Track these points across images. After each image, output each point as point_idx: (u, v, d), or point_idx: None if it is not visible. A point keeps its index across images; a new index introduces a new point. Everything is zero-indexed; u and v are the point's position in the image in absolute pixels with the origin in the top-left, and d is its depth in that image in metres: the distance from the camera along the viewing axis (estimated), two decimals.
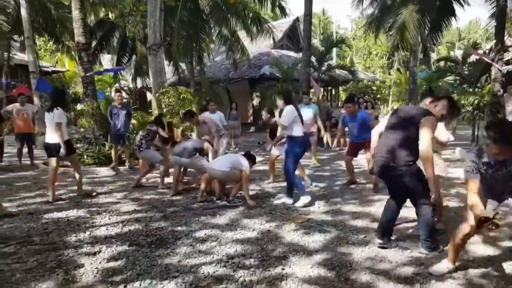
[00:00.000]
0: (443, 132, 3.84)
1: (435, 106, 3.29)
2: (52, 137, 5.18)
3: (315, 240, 3.64)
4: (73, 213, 4.62)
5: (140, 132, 6.41)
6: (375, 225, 3.80)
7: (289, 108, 4.89)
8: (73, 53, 15.12)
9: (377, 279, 2.83)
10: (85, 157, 8.12)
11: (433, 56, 25.55)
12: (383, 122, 3.62)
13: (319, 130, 8.10)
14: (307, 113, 7.18)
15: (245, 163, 4.95)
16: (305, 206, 4.70)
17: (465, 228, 2.73)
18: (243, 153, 5.41)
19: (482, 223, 2.60)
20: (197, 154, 5.41)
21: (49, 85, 11.69)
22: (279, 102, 5.08)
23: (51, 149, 5.19)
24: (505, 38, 9.30)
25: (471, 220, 2.67)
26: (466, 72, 10.54)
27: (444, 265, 2.91)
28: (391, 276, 2.88)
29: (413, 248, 3.37)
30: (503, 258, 3.14)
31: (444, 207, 4.52)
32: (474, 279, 2.81)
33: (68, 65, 20.50)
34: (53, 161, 5.21)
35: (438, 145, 3.90)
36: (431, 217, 3.24)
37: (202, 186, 5.21)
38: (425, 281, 2.78)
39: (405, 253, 3.30)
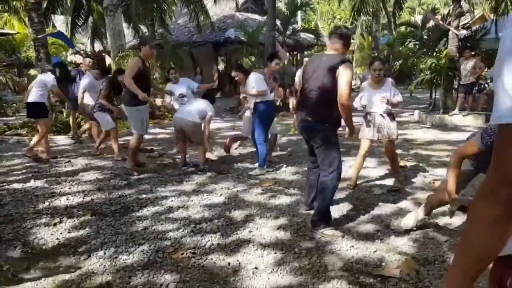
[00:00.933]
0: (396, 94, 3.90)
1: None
2: (35, 97, 5.37)
3: (281, 202, 3.72)
4: (30, 183, 4.39)
5: None
6: (339, 185, 3.90)
7: (255, 75, 4.74)
8: (21, 14, 13.68)
9: (340, 237, 2.95)
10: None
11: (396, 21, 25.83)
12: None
13: None
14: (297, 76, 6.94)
15: (208, 106, 4.97)
16: (257, 175, 4.63)
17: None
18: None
19: None
20: (100, 108, 5.47)
21: None
22: (240, 76, 4.95)
23: (35, 109, 5.41)
24: (462, 3, 9.53)
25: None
26: (425, 37, 10.79)
27: (413, 218, 2.96)
28: (353, 233, 3.02)
29: (375, 206, 3.54)
30: (458, 214, 3.35)
31: (403, 167, 4.76)
32: (430, 233, 3.00)
33: (18, 27, 18.72)
34: (41, 123, 5.39)
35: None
36: (330, 190, 3.00)
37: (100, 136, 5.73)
38: (385, 237, 2.94)
39: (367, 211, 3.46)
